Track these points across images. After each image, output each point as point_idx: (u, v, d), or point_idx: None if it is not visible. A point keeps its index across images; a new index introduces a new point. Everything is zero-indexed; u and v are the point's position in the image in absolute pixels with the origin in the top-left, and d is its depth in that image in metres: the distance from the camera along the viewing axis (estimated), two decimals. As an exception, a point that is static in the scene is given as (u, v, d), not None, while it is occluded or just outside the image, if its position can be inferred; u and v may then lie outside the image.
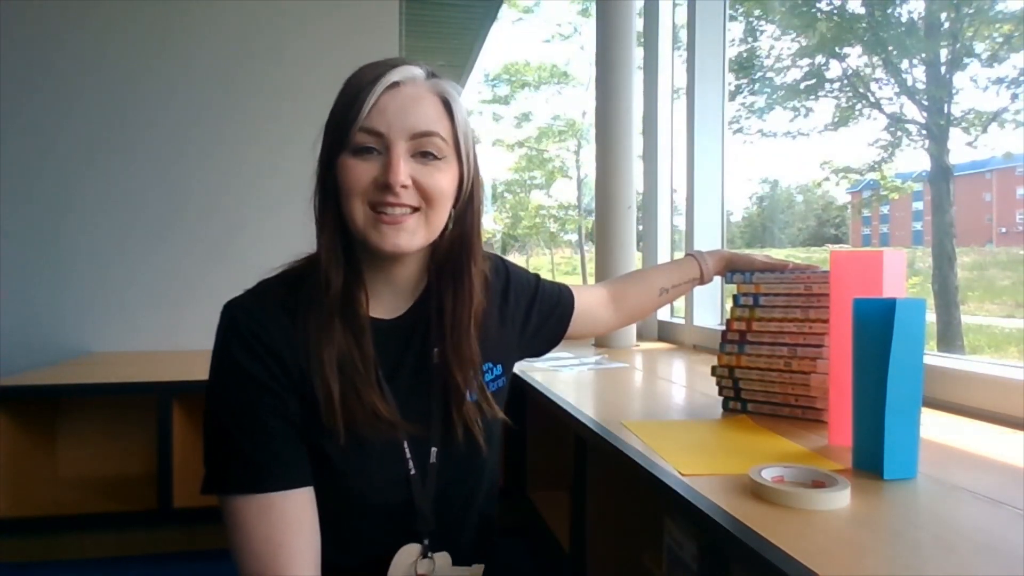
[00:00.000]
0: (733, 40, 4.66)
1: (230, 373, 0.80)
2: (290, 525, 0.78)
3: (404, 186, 0.78)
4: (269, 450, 0.79)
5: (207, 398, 0.81)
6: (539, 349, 1.09)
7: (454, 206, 0.85)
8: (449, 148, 0.82)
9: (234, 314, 0.82)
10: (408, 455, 0.84)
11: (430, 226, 0.82)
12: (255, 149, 2.42)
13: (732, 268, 1.21)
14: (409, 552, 0.85)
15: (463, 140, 0.84)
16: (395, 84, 0.79)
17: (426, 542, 0.86)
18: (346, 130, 0.78)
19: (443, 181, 0.81)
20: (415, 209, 0.81)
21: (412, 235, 0.81)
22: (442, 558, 0.87)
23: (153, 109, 2.37)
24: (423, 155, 0.80)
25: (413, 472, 0.84)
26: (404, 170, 0.78)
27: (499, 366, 0.96)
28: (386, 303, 0.88)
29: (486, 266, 0.95)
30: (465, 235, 0.87)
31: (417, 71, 0.82)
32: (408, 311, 0.89)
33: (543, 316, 1.06)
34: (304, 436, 0.81)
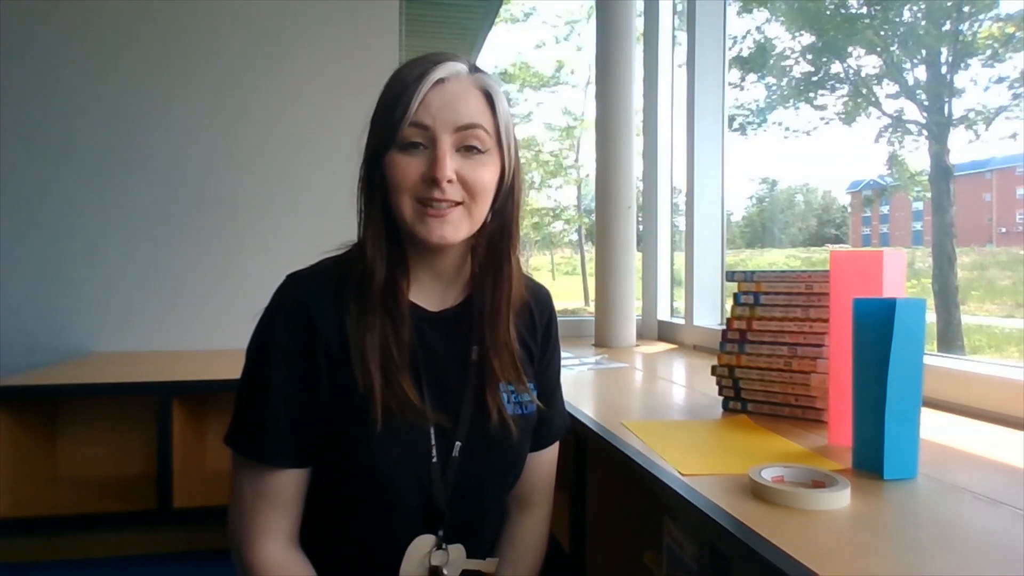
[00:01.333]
0: (735, 38, 4.64)
1: (264, 339, 0.85)
2: (271, 500, 0.83)
3: (450, 181, 0.81)
4: (272, 425, 0.83)
5: (245, 354, 0.87)
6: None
7: (495, 198, 0.88)
8: (492, 141, 0.85)
9: (289, 285, 0.86)
10: (432, 442, 0.85)
11: (473, 219, 0.85)
12: (257, 150, 2.42)
13: None
14: (423, 543, 0.86)
15: (504, 133, 0.86)
16: (440, 80, 0.82)
17: (441, 533, 0.86)
18: (394, 126, 0.81)
19: (485, 175, 0.84)
20: (459, 203, 0.83)
21: (456, 227, 0.83)
22: (456, 550, 0.87)
23: (155, 111, 2.37)
24: (467, 149, 0.83)
25: (435, 460, 0.85)
26: (450, 164, 0.81)
27: (536, 391, 0.97)
28: (431, 294, 0.91)
29: (543, 293, 1.01)
30: (505, 225, 0.90)
31: (461, 66, 0.84)
32: (454, 307, 0.92)
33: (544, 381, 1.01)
34: (331, 414, 0.83)
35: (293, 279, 0.87)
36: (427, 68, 0.82)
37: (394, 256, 0.86)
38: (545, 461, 1.03)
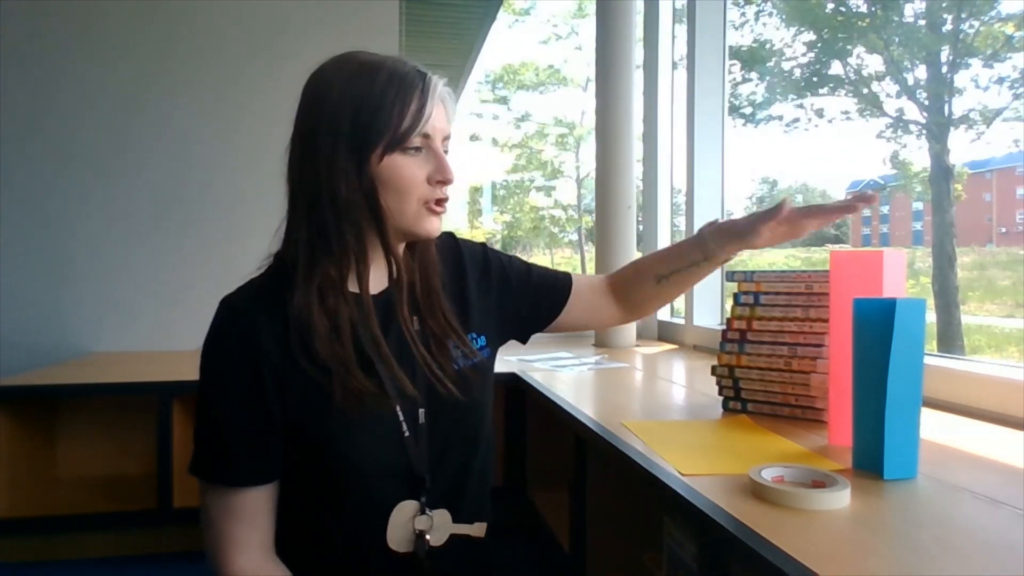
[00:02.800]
0: (736, 26, 4.63)
1: (210, 366, 0.86)
2: (238, 516, 0.85)
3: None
4: (231, 448, 0.85)
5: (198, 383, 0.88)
6: (531, 325, 1.10)
7: None
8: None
9: (224, 309, 0.87)
10: (401, 418, 0.88)
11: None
12: (256, 150, 2.42)
13: (734, 235, 1.02)
14: (406, 509, 0.87)
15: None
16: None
17: (423, 499, 0.88)
18: (404, 132, 0.85)
19: None
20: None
21: (442, 220, 0.93)
22: (441, 515, 0.89)
23: (153, 111, 2.37)
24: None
25: (407, 434, 0.87)
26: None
27: (482, 336, 1.00)
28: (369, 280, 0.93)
29: (456, 241, 1.05)
30: None
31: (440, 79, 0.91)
32: (387, 288, 0.94)
33: (527, 291, 1.07)
34: (293, 423, 0.85)
35: (224, 303, 0.88)
36: (430, 79, 0.87)
37: (359, 251, 0.89)
38: (585, 282, 1.13)
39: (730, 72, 2.31)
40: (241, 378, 0.84)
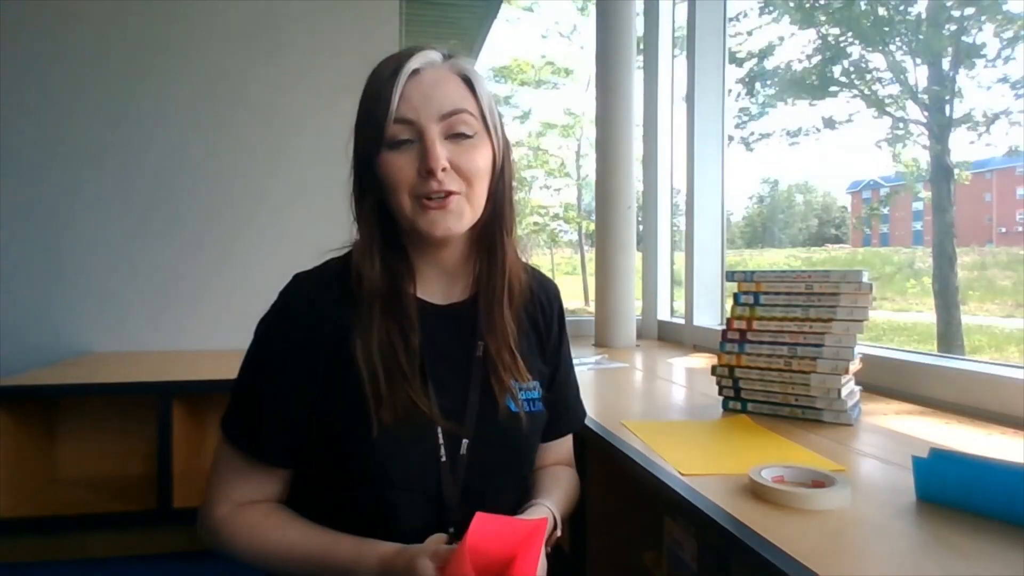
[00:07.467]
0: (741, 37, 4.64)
1: (267, 336, 0.86)
2: (247, 480, 0.85)
3: (444, 169, 0.80)
4: (262, 419, 0.84)
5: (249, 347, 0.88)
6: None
7: (490, 182, 0.87)
8: (479, 124, 0.84)
9: (292, 285, 0.87)
10: (441, 441, 0.84)
11: (473, 206, 0.84)
12: (257, 149, 2.42)
13: None
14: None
15: (489, 115, 0.86)
16: (416, 72, 0.81)
17: (452, 531, 0.85)
18: (380, 126, 0.80)
19: (479, 159, 0.83)
20: (456, 192, 0.82)
21: (459, 217, 0.82)
22: None
23: (154, 109, 2.37)
24: (456, 136, 0.82)
25: (444, 459, 0.84)
26: (441, 153, 0.80)
27: (550, 375, 0.96)
28: (436, 288, 0.90)
29: (551, 287, 0.99)
30: (498, 207, 0.88)
31: (434, 55, 0.84)
32: (461, 302, 0.91)
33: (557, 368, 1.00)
34: (333, 414, 0.83)
35: (297, 279, 0.87)
36: (401, 61, 0.81)
37: (392, 257, 0.85)
38: (563, 449, 1.03)
39: (730, 92, 2.31)
40: (294, 359, 0.83)
